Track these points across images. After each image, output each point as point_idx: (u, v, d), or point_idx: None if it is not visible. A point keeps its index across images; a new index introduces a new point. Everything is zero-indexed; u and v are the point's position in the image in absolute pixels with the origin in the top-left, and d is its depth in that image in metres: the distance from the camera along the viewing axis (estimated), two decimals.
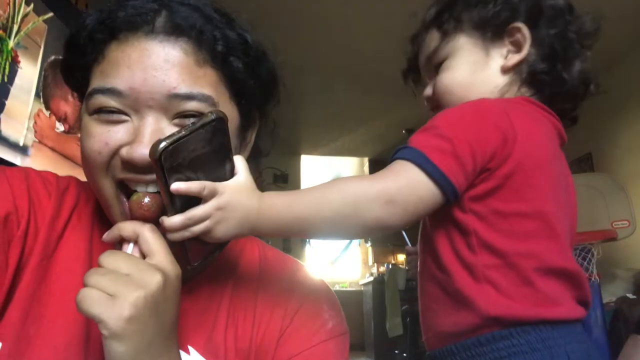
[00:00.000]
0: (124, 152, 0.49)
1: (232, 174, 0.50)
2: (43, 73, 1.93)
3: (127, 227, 0.47)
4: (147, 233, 0.47)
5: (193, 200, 0.46)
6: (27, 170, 0.56)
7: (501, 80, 0.68)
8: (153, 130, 0.49)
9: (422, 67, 0.76)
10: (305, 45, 3.57)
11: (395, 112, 4.66)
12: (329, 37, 3.51)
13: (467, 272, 0.58)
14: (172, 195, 0.45)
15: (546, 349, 0.54)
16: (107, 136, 0.50)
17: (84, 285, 0.42)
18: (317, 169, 7.05)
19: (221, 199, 0.47)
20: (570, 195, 0.65)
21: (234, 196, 0.48)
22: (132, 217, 0.49)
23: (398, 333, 4.90)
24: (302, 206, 0.51)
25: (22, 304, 0.49)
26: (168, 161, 0.43)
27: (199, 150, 0.46)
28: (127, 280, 0.42)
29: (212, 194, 0.47)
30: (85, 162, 0.52)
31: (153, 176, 0.49)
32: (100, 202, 0.54)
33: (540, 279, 0.57)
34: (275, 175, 5.77)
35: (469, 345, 0.58)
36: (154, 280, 0.43)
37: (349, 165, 7.12)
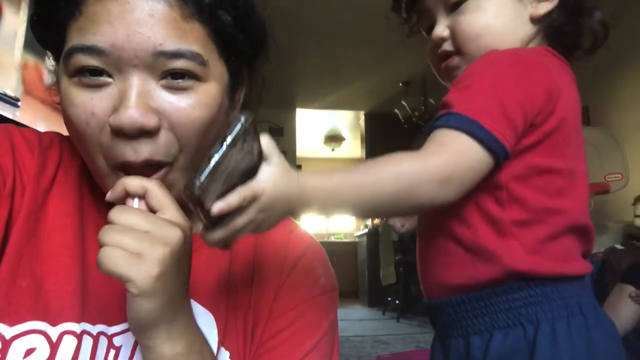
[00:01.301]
0: (111, 120, 0.46)
1: (260, 156, 0.44)
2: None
3: (133, 183, 0.45)
4: (155, 188, 0.45)
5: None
6: (8, 128, 0.54)
7: (529, 29, 0.64)
8: (139, 92, 0.46)
9: (427, 1, 0.68)
10: None
11: (392, 65, 4.58)
12: None
13: (492, 227, 0.57)
14: (207, 215, 0.41)
15: (561, 299, 0.56)
16: (92, 104, 0.47)
17: (102, 244, 0.41)
18: (312, 122, 6.99)
19: (262, 202, 0.43)
20: None
21: (273, 192, 0.43)
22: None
23: (391, 281, 5.05)
24: (352, 191, 0.48)
25: (12, 261, 0.49)
26: (206, 196, 0.40)
27: (233, 162, 0.41)
28: (150, 238, 0.42)
29: (252, 200, 0.42)
30: (73, 132, 0.49)
31: (142, 157, 0.47)
32: (90, 168, 0.53)
33: (565, 236, 0.57)
34: (271, 128, 5.73)
35: (483, 295, 0.58)
36: (175, 235, 0.43)
37: (345, 119, 7.07)
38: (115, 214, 0.43)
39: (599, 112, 3.80)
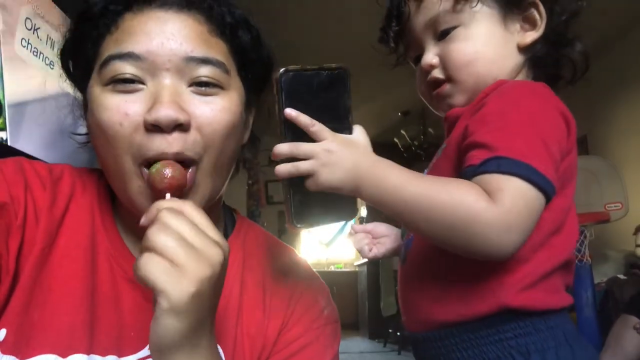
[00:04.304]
0: (147, 116, 0.48)
1: (349, 117, 0.52)
2: None
3: (167, 203, 0.44)
4: (190, 209, 0.44)
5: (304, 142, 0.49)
6: (20, 161, 0.55)
7: (517, 58, 0.65)
8: (172, 93, 0.50)
9: (416, 29, 0.67)
10: (300, 25, 3.53)
11: (391, 94, 4.64)
12: (324, 17, 3.47)
13: (490, 264, 0.56)
14: (285, 126, 0.48)
15: (548, 330, 0.56)
16: (126, 106, 0.50)
17: (147, 246, 0.40)
18: None
19: (329, 143, 0.49)
20: None
21: (343, 146, 0.49)
22: (154, 189, 0.48)
23: (392, 312, 4.97)
24: (413, 189, 0.49)
25: (26, 291, 0.49)
26: (287, 85, 0.48)
27: (320, 95, 0.50)
28: (195, 253, 0.41)
29: (321, 135, 0.48)
30: (103, 135, 0.51)
31: (175, 149, 0.49)
32: (112, 180, 0.54)
33: (557, 271, 0.58)
34: (270, 157, 5.75)
35: (472, 328, 0.57)
36: (218, 257, 0.42)
37: None
38: (167, 215, 0.42)
39: (597, 141, 3.83)
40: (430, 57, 0.66)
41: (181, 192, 0.49)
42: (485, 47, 0.63)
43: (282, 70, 0.48)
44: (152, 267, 0.39)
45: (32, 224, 0.51)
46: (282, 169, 0.48)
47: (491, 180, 0.50)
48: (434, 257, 0.61)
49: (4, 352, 0.47)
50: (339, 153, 0.49)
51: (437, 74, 0.67)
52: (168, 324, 0.40)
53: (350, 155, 0.49)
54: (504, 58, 0.64)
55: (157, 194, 0.48)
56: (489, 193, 0.49)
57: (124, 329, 0.52)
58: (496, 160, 0.51)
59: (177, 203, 0.45)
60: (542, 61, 0.66)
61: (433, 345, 0.61)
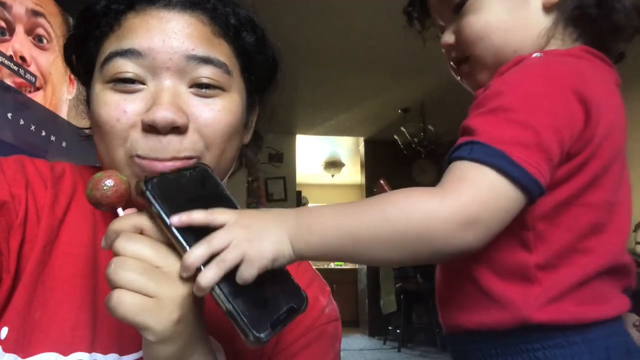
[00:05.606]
0: (144, 117, 0.49)
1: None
2: None
3: (124, 224, 0.41)
4: (148, 225, 0.42)
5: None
6: (21, 159, 0.55)
7: (544, 20, 0.56)
8: (172, 94, 0.50)
9: (433, 7, 0.63)
10: (300, 23, 3.52)
11: (391, 91, 4.63)
12: (324, 15, 3.46)
13: (513, 271, 0.50)
14: (180, 235, 0.39)
15: (584, 343, 0.49)
16: (125, 104, 0.50)
17: (112, 283, 0.38)
18: (312, 148, 7.03)
19: (239, 218, 0.40)
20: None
21: (253, 212, 0.41)
22: (98, 204, 0.43)
23: (392, 310, 4.98)
24: (355, 225, 0.42)
25: (27, 290, 0.49)
26: (157, 192, 0.40)
27: (193, 193, 0.43)
28: (165, 276, 0.39)
29: (224, 218, 0.40)
30: (100, 130, 0.51)
31: (170, 155, 0.49)
32: (104, 163, 0.54)
33: (598, 278, 0.50)
34: (271, 154, 5.75)
35: (497, 335, 0.52)
36: None
37: (345, 145, 7.10)
38: (122, 244, 0.39)
39: None
40: (447, 36, 0.62)
41: (124, 201, 0.44)
42: (498, 16, 0.56)
43: (142, 181, 0.41)
44: (126, 306, 0.37)
45: (33, 223, 0.51)
46: (209, 273, 0.38)
47: (458, 167, 0.45)
48: (460, 261, 0.54)
49: (6, 351, 0.47)
50: (256, 219, 0.41)
51: (455, 53, 0.62)
52: (159, 351, 0.40)
53: (269, 215, 0.42)
54: (525, 24, 0.56)
55: (104, 208, 0.43)
56: (449, 182, 0.44)
57: (125, 327, 0.52)
58: (470, 146, 0.46)
59: (132, 220, 0.42)
60: (585, 14, 0.56)
61: (461, 348, 0.59)
